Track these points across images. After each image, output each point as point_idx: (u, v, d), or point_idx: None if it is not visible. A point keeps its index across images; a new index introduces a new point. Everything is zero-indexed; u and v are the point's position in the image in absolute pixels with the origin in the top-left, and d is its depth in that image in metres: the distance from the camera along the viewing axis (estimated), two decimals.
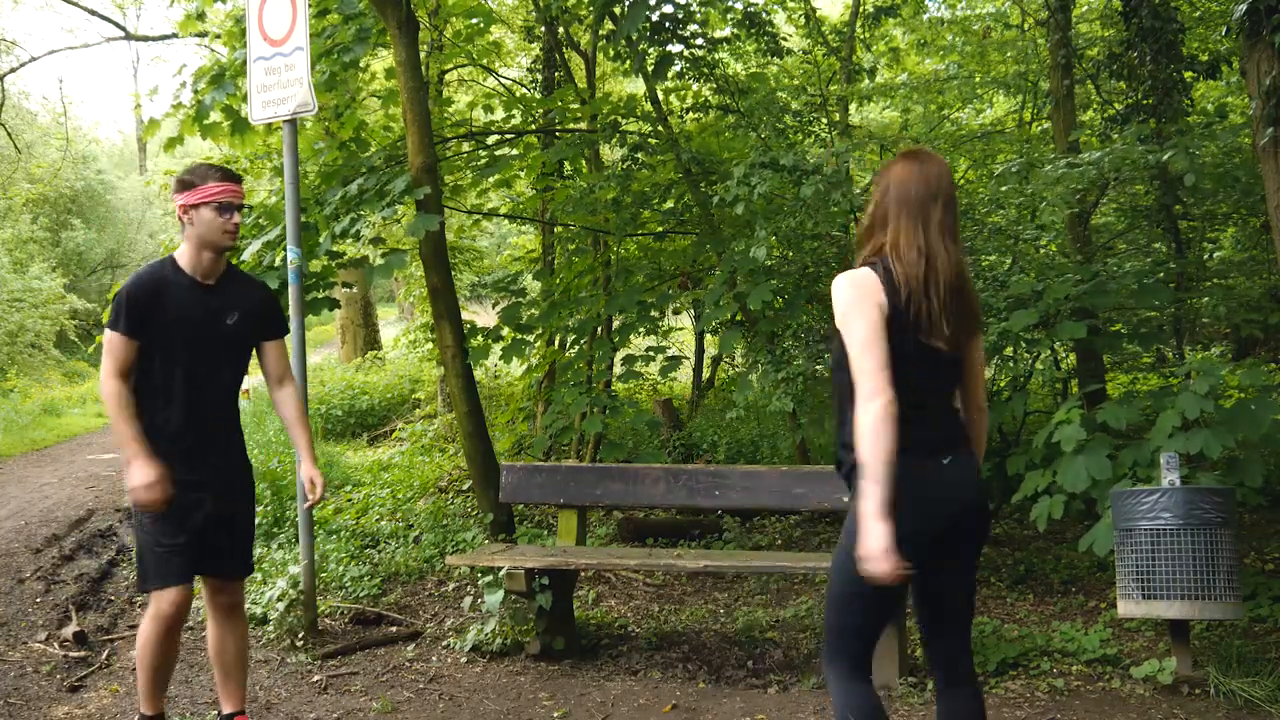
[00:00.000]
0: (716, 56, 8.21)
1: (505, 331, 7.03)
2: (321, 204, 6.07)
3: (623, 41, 6.90)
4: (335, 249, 6.16)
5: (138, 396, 3.47)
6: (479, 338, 6.93)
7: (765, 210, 6.06)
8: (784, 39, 8.76)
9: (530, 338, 7.38)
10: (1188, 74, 7.12)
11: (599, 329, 7.96)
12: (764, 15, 8.24)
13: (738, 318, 6.77)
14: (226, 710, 3.72)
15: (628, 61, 7.45)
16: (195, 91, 6.56)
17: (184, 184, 3.53)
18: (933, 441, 2.57)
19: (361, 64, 6.33)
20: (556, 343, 8.86)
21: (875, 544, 2.40)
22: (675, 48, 7.27)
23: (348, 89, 6.39)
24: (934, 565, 2.60)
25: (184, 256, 3.56)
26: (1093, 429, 4.81)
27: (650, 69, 6.80)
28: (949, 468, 2.57)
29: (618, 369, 7.79)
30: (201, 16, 7.37)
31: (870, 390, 2.46)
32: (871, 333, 2.50)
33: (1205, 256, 7.86)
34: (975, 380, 2.72)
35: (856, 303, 2.53)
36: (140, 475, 3.38)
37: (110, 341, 3.43)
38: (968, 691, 2.68)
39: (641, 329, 7.26)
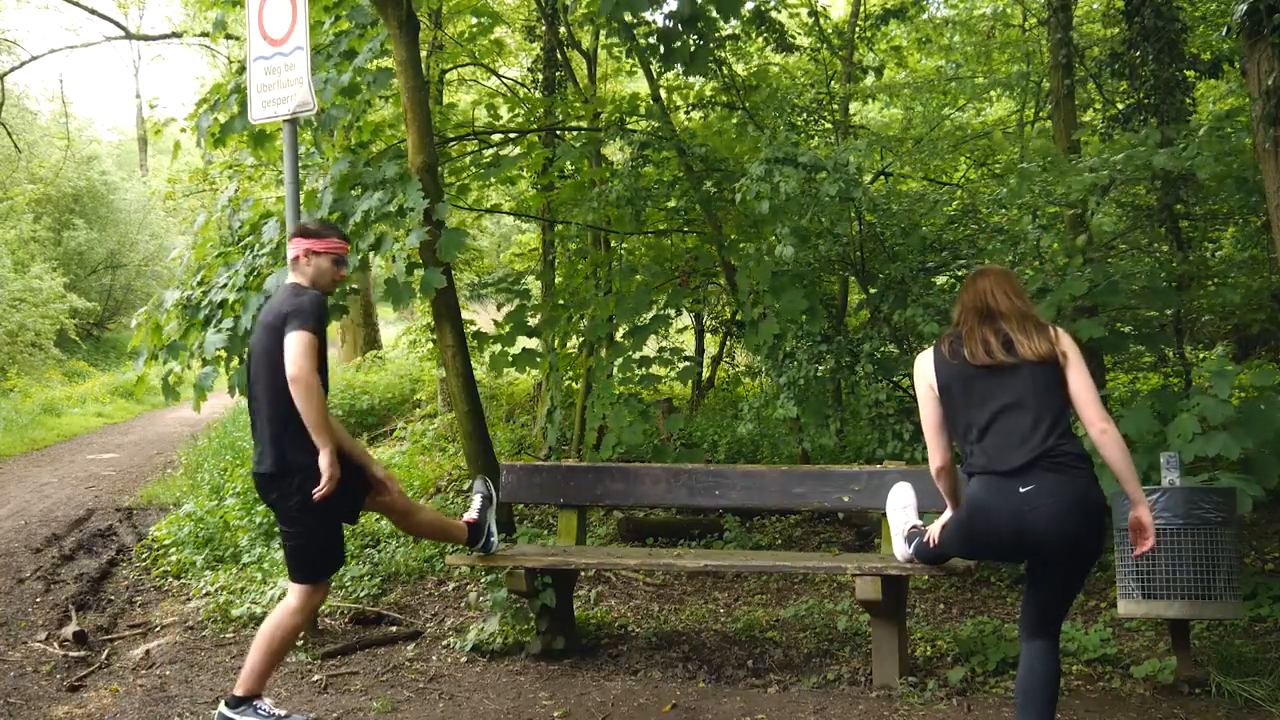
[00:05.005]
0: (722, 54, 8.19)
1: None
2: (332, 210, 6.00)
3: (624, 40, 6.85)
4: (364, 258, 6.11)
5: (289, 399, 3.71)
6: (491, 343, 6.94)
7: (784, 206, 6.00)
8: (791, 37, 8.76)
9: (539, 345, 7.38)
10: (1189, 74, 7.12)
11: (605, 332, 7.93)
12: (772, 13, 8.23)
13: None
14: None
15: (633, 58, 7.40)
16: (212, 109, 6.44)
17: (312, 233, 4.01)
18: (1002, 468, 3.11)
19: (365, 65, 6.26)
20: (557, 344, 8.83)
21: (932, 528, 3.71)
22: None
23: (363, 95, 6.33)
24: (1031, 567, 3.22)
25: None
26: None
27: (686, 62, 6.69)
28: (1024, 495, 3.07)
29: (621, 372, 7.76)
30: (224, 25, 7.30)
31: (930, 455, 3.38)
32: (924, 412, 3.32)
33: (1208, 255, 7.84)
34: (1081, 404, 3.14)
35: (917, 386, 3.35)
36: (336, 467, 3.69)
37: (311, 342, 3.73)
38: (1042, 643, 3.21)
39: (655, 331, 7.23)
